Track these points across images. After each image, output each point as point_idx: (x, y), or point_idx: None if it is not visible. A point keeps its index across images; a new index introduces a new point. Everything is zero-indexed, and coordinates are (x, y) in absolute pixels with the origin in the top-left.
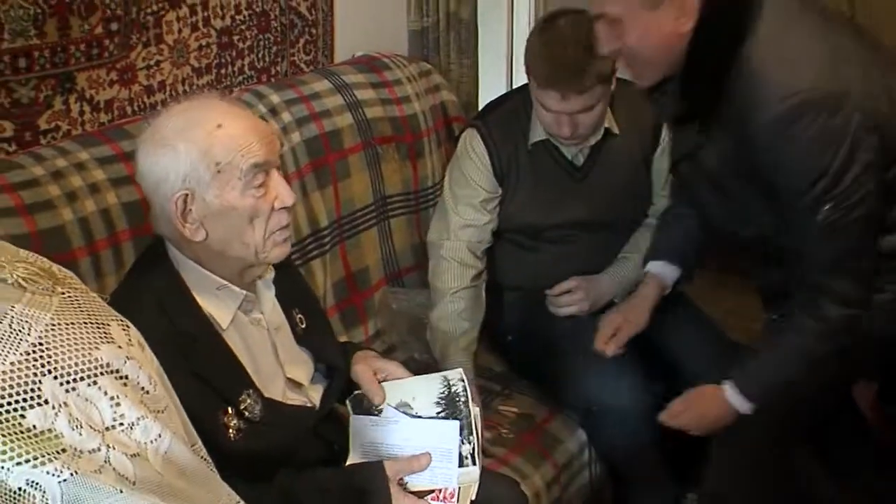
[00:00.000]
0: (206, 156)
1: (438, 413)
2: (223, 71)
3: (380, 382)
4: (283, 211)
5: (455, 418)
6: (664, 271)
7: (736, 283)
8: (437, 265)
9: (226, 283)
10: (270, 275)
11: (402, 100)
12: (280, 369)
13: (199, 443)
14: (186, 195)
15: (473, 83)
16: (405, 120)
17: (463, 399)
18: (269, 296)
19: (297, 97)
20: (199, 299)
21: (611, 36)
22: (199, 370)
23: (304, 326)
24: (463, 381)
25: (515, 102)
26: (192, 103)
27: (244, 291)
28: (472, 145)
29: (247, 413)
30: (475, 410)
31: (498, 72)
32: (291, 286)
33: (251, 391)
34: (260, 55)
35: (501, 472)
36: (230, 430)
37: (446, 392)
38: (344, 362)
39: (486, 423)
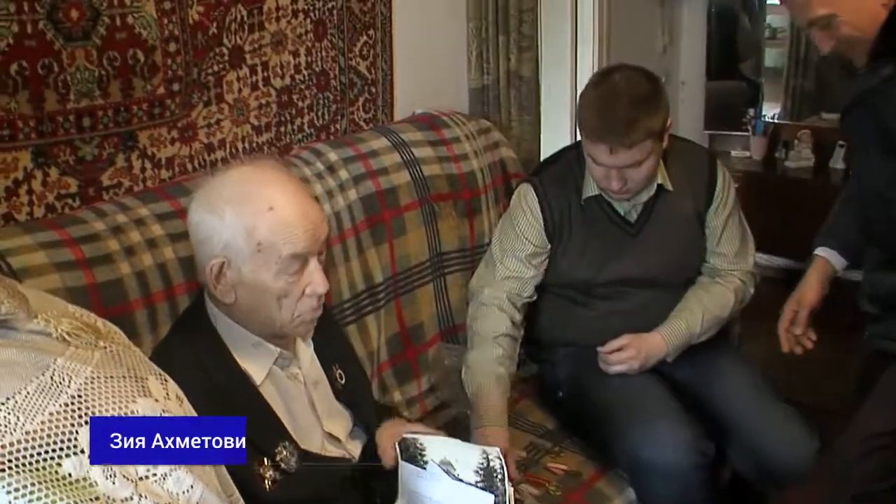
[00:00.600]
0: (251, 234)
1: (477, 482)
2: (282, 129)
3: (423, 434)
4: (314, 297)
5: (491, 492)
6: (831, 255)
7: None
8: (477, 310)
9: (260, 339)
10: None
11: (460, 157)
12: (318, 423)
13: (237, 493)
14: (223, 263)
15: (535, 140)
16: (463, 177)
17: (500, 476)
18: (307, 352)
19: (355, 155)
20: (235, 354)
21: (825, 36)
22: None
23: (343, 382)
24: (500, 458)
25: (569, 158)
26: (253, 174)
27: (279, 349)
28: (527, 200)
29: (283, 465)
30: (509, 490)
31: (562, 128)
32: (332, 342)
33: (287, 443)
34: (319, 113)
35: None
36: (266, 481)
37: (485, 464)
38: (376, 422)
39: (534, 480)
